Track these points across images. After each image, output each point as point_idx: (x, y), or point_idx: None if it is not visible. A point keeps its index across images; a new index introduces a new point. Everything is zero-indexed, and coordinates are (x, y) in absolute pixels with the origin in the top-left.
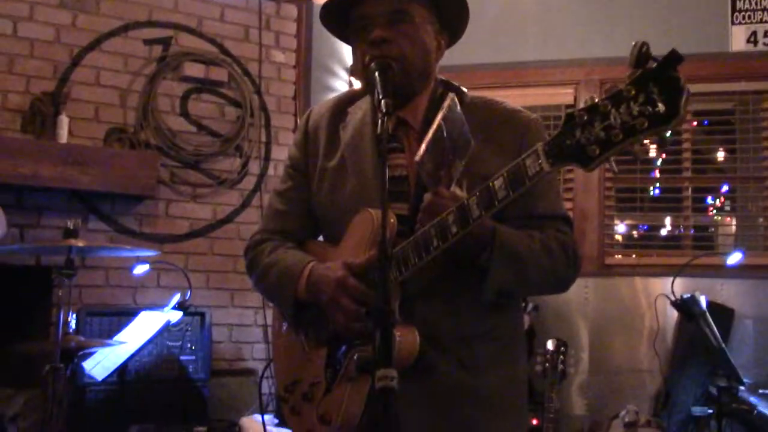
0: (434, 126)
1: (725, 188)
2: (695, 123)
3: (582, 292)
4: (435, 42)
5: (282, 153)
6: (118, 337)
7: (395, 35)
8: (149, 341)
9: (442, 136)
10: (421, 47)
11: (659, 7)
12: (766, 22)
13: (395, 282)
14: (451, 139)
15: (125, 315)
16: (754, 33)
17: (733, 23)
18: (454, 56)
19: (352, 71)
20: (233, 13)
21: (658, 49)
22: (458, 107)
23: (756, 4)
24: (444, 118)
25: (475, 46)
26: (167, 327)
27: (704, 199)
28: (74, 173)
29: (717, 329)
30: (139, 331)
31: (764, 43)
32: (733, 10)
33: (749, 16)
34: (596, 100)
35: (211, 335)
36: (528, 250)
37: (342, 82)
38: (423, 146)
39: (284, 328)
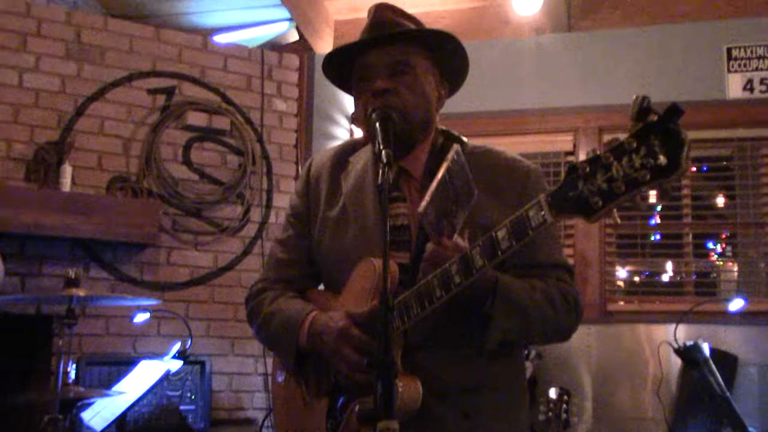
0: (438, 176)
1: (726, 233)
2: (694, 169)
3: (584, 339)
4: (436, 92)
5: (283, 200)
6: (117, 387)
7: (397, 86)
8: (149, 391)
9: (445, 187)
10: (423, 98)
11: (656, 55)
12: (761, 70)
13: (397, 332)
14: (455, 190)
15: (125, 364)
16: (750, 81)
17: (729, 71)
18: (454, 104)
19: (354, 119)
20: (236, 63)
21: (656, 97)
22: (462, 158)
23: (751, 52)
24: (448, 169)
25: (475, 93)
26: (167, 376)
27: (705, 245)
28: (76, 222)
29: (721, 377)
30: (139, 381)
31: (760, 91)
32: (729, 58)
33: (745, 65)
34: (598, 152)
35: (211, 384)
36: (530, 299)
37: (343, 130)
38: (426, 197)
39: (284, 377)
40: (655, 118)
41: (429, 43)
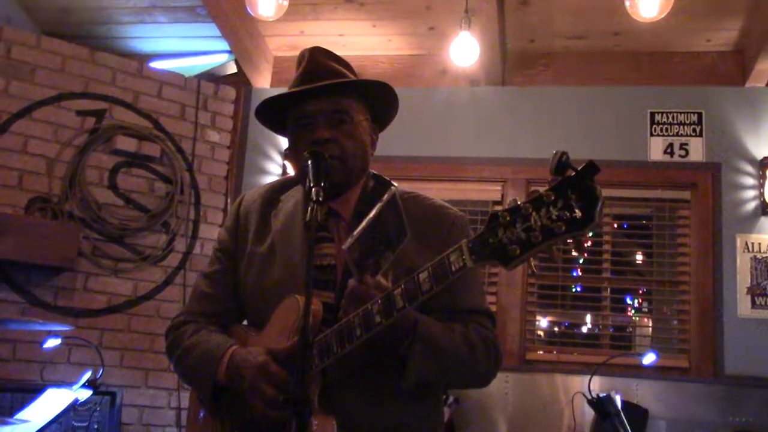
0: (370, 216)
1: (642, 290)
2: (615, 226)
3: (502, 386)
4: (369, 138)
5: (210, 231)
6: (20, 415)
7: (338, 135)
8: (53, 420)
9: (375, 227)
10: (361, 145)
11: (584, 115)
12: (680, 135)
13: (316, 370)
14: (385, 231)
15: (31, 391)
16: (671, 145)
17: (651, 135)
18: (389, 148)
19: (286, 155)
20: (171, 91)
21: (582, 155)
22: (398, 201)
23: (672, 118)
24: (381, 210)
25: (411, 138)
26: (74, 406)
27: (622, 300)
28: None
29: (631, 429)
30: (44, 409)
31: (680, 155)
32: (652, 122)
33: (666, 129)
34: (518, 203)
35: (120, 416)
36: (449, 342)
37: (276, 165)
38: (354, 233)
39: (201, 414)
40: (572, 173)
41: (365, 92)
